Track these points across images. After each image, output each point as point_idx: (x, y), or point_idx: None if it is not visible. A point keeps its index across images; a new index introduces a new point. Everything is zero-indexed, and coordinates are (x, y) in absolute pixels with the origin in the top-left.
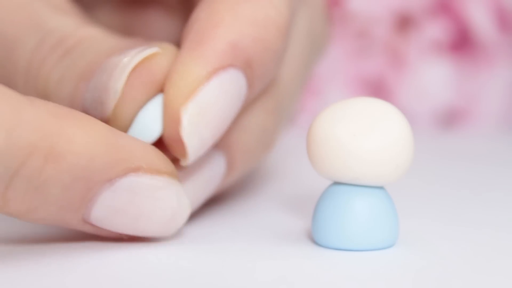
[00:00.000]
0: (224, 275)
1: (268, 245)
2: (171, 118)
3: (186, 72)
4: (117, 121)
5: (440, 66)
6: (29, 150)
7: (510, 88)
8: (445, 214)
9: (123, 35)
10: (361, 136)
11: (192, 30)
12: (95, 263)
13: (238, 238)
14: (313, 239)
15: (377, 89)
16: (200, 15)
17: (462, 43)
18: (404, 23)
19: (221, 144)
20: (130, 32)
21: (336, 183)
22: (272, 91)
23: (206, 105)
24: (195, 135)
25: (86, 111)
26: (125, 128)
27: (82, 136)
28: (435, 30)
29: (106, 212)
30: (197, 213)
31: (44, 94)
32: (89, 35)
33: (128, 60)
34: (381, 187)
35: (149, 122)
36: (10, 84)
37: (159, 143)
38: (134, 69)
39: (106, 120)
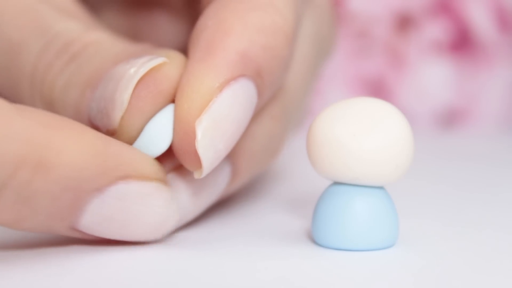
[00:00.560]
0: (224, 275)
1: (268, 245)
2: (184, 131)
3: (198, 84)
4: (123, 133)
5: (440, 66)
6: (18, 162)
7: (510, 88)
8: (445, 214)
9: (129, 38)
10: (361, 136)
11: (201, 39)
12: (94, 264)
13: (238, 238)
14: (313, 239)
15: (377, 89)
16: (208, 23)
17: (462, 43)
18: (404, 23)
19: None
20: (136, 34)
21: (336, 183)
22: (278, 97)
23: (220, 117)
24: (210, 148)
25: (92, 120)
26: (132, 140)
27: (71, 146)
28: (435, 30)
29: (95, 219)
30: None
31: (49, 100)
32: (96, 40)
33: (135, 71)
34: (381, 187)
35: (157, 134)
36: (16, 88)
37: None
38: (141, 80)
39: (113, 132)
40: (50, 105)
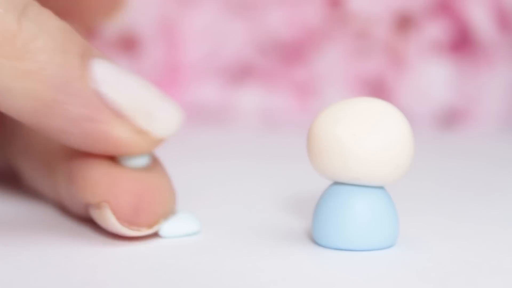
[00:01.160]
0: (224, 275)
1: (268, 245)
2: None
3: None
4: None
5: (440, 66)
6: None
7: (510, 88)
8: (445, 214)
9: None
10: (361, 136)
11: None
12: (94, 262)
13: (238, 238)
14: (313, 239)
15: (377, 89)
16: None
17: (462, 43)
18: (404, 23)
19: None
20: None
21: (336, 183)
22: None
23: None
24: None
25: None
26: None
27: None
28: (435, 30)
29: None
30: (197, 213)
31: None
32: None
33: None
34: (381, 187)
35: None
36: None
37: None
38: None
39: None
40: None
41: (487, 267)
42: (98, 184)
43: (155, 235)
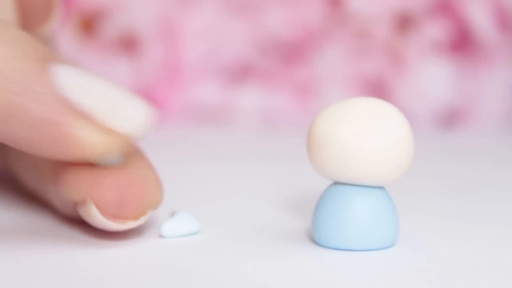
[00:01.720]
0: (224, 275)
1: (268, 245)
2: None
3: None
4: None
5: (440, 66)
6: None
7: (510, 88)
8: (445, 214)
9: None
10: (361, 136)
11: None
12: (93, 264)
13: (238, 238)
14: (313, 239)
15: (377, 89)
16: None
17: (462, 43)
18: (404, 23)
19: None
20: None
21: (337, 183)
22: None
23: None
24: None
25: None
26: None
27: None
28: (435, 30)
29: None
30: (197, 213)
31: None
32: None
33: None
34: (381, 187)
35: None
36: None
37: None
38: None
39: None
40: None
41: (487, 267)
42: (81, 181)
43: (155, 235)
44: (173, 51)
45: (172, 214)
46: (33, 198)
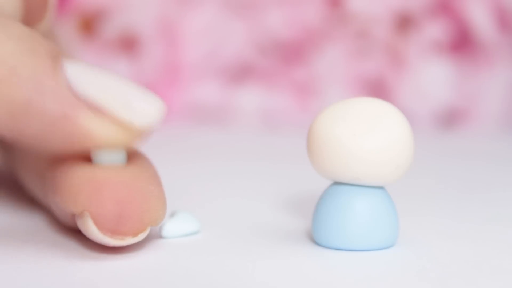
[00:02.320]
0: (224, 275)
1: (268, 245)
2: None
3: None
4: None
5: (440, 66)
6: None
7: (510, 88)
8: (445, 214)
9: None
10: (361, 136)
11: None
12: (93, 264)
13: (238, 238)
14: (313, 239)
15: (377, 89)
16: None
17: (462, 43)
18: (404, 23)
19: None
20: None
21: (336, 183)
22: None
23: None
24: None
25: None
26: None
27: None
28: (435, 30)
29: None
30: (196, 213)
31: None
32: None
33: None
34: (381, 187)
35: None
36: None
37: None
38: None
39: None
40: None
41: (487, 267)
42: (79, 192)
43: (155, 235)
44: (173, 51)
45: (172, 214)
46: (37, 204)
